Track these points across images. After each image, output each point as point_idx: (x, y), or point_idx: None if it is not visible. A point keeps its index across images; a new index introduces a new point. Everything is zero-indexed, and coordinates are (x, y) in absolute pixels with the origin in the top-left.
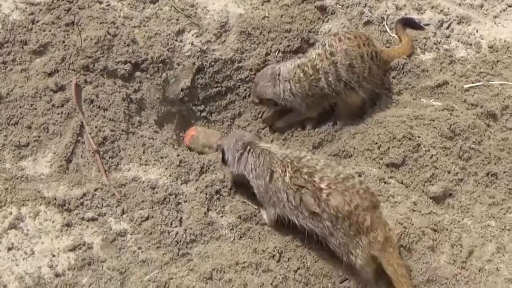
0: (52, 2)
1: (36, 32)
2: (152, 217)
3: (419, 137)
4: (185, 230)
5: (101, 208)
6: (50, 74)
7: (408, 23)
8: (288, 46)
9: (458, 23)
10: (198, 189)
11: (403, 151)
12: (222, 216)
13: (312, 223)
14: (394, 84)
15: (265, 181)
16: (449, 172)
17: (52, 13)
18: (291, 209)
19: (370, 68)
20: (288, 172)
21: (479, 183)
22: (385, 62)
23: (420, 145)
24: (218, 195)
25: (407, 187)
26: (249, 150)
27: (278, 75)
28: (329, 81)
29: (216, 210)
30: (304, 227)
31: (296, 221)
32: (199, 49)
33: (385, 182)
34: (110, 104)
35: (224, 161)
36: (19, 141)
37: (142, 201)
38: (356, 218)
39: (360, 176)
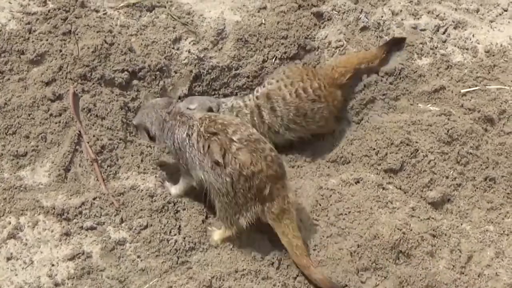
0: (49, 11)
1: (33, 41)
2: (151, 225)
3: (416, 142)
4: (184, 238)
5: (100, 217)
6: (47, 84)
7: (396, 44)
8: (285, 52)
9: (455, 28)
10: (196, 197)
11: (401, 157)
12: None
13: (213, 176)
14: (391, 89)
15: (185, 142)
16: (447, 177)
17: (49, 22)
18: (200, 162)
19: (298, 108)
20: (204, 123)
21: (477, 188)
22: (335, 85)
23: (418, 151)
24: None
25: (405, 192)
26: (176, 118)
27: (218, 104)
28: (254, 120)
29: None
30: (206, 185)
31: (203, 177)
32: (196, 57)
33: (383, 188)
34: (107, 113)
35: (151, 138)
36: (17, 151)
37: (141, 210)
38: (257, 182)
39: (358, 182)
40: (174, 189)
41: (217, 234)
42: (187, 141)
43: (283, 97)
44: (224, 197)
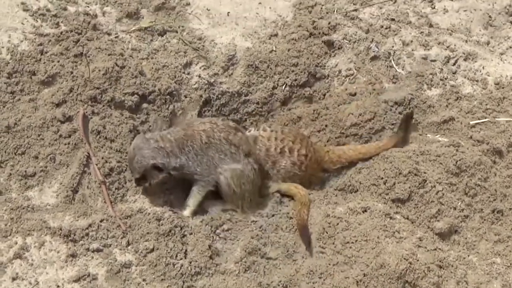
0: (61, 33)
1: (44, 62)
2: (157, 249)
3: (425, 172)
4: (190, 262)
5: (106, 239)
6: (58, 105)
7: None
8: (295, 80)
9: (465, 60)
10: (204, 221)
11: (409, 187)
12: (227, 249)
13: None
14: (400, 119)
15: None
16: (455, 209)
17: (61, 44)
18: (231, 154)
19: (274, 162)
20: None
21: (485, 220)
22: (321, 166)
23: (426, 181)
24: (223, 228)
25: (412, 222)
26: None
27: None
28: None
29: (221, 243)
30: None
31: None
32: (206, 82)
33: (390, 218)
34: (117, 135)
35: (159, 169)
36: (25, 171)
37: (148, 233)
38: None
39: (365, 211)
40: (188, 209)
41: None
42: (211, 142)
43: (267, 148)
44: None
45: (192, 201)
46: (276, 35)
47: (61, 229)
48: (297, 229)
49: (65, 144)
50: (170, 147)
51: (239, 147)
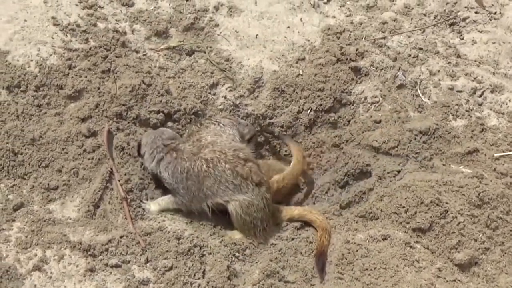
0: (90, 49)
1: (72, 77)
2: (176, 267)
3: (447, 203)
4: (208, 282)
5: (126, 255)
6: (83, 120)
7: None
8: (321, 105)
9: (491, 92)
10: (223, 242)
11: (430, 217)
12: (245, 271)
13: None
14: (424, 148)
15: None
16: (475, 240)
17: (89, 59)
18: (235, 186)
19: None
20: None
21: (505, 253)
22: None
23: (447, 212)
24: (242, 250)
25: (432, 252)
26: (171, 153)
27: None
28: None
29: (239, 264)
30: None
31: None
32: (232, 103)
33: (410, 247)
34: None
35: (139, 154)
36: (48, 184)
37: (167, 251)
38: None
39: (385, 239)
40: (156, 207)
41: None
42: (210, 173)
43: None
44: (259, 212)
45: (164, 204)
46: (303, 59)
47: (81, 243)
48: (315, 254)
49: (89, 159)
50: (165, 155)
51: (248, 178)
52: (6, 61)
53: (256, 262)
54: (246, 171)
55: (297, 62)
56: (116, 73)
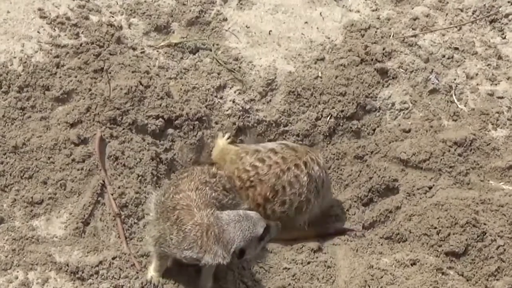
0: (81, 45)
1: (60, 77)
2: None
3: (485, 224)
4: None
5: (118, 279)
6: (72, 125)
7: None
8: (342, 111)
9: None
10: (229, 266)
11: (466, 239)
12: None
13: None
14: (460, 162)
15: None
16: None
17: (80, 57)
18: None
19: None
20: None
21: None
22: None
23: (485, 234)
24: (251, 275)
25: (468, 280)
26: None
27: None
28: None
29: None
30: None
31: None
32: (241, 108)
33: (443, 273)
34: (137, 163)
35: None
36: (32, 198)
37: (166, 273)
38: None
39: (414, 264)
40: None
41: None
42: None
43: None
44: None
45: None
46: (322, 59)
47: (68, 265)
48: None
49: (78, 170)
50: None
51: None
52: None
53: None
54: None
55: (315, 63)
56: (110, 72)
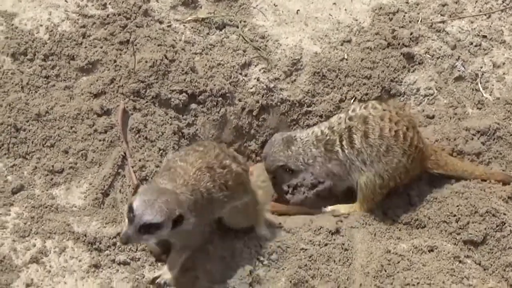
0: (108, 16)
1: (86, 47)
2: (193, 269)
3: (504, 214)
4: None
5: (135, 251)
6: (96, 95)
7: None
8: (366, 94)
9: None
10: (245, 244)
11: (485, 228)
12: (269, 278)
13: None
14: (482, 151)
15: None
16: None
17: (106, 28)
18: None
19: (388, 148)
20: None
21: None
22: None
23: (504, 224)
24: (268, 254)
25: (485, 269)
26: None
27: (294, 138)
28: (342, 145)
29: (264, 270)
30: None
31: None
32: (265, 86)
33: (460, 261)
34: (158, 136)
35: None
36: (53, 166)
37: None
38: None
39: (432, 250)
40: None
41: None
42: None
43: (381, 127)
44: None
45: None
46: (349, 41)
47: (85, 235)
48: None
49: (100, 140)
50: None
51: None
52: (12, 25)
53: (283, 269)
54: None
55: (342, 44)
56: (135, 45)
